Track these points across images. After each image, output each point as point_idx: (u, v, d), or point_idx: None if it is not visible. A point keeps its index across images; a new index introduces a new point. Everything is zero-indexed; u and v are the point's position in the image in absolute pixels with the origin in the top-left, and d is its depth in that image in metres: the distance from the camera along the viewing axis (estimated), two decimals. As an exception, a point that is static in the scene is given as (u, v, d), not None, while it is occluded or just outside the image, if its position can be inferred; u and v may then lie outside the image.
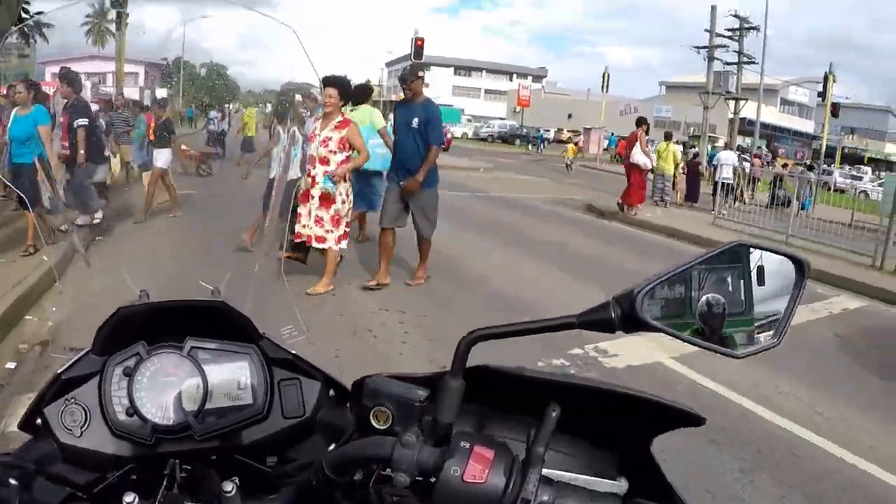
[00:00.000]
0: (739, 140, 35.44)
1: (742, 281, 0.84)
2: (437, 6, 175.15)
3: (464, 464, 0.76)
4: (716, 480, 3.75)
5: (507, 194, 17.69)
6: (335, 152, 6.23)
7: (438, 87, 73.07)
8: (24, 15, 11.51)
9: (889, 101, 77.14)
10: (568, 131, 52.12)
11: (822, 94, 29.65)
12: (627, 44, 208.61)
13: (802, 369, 5.47)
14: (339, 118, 6.34)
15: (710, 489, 3.64)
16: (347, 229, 6.53)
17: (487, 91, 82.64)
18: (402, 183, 6.73)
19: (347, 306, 6.30)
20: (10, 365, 4.55)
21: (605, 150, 42.53)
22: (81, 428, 0.98)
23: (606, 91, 40.46)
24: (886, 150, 63.23)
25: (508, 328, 0.84)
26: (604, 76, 39.25)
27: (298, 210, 6.16)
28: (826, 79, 29.17)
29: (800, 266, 0.85)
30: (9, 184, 7.72)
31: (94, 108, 11.25)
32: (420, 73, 7.05)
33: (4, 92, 10.66)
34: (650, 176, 15.87)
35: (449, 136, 35.38)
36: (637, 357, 5.44)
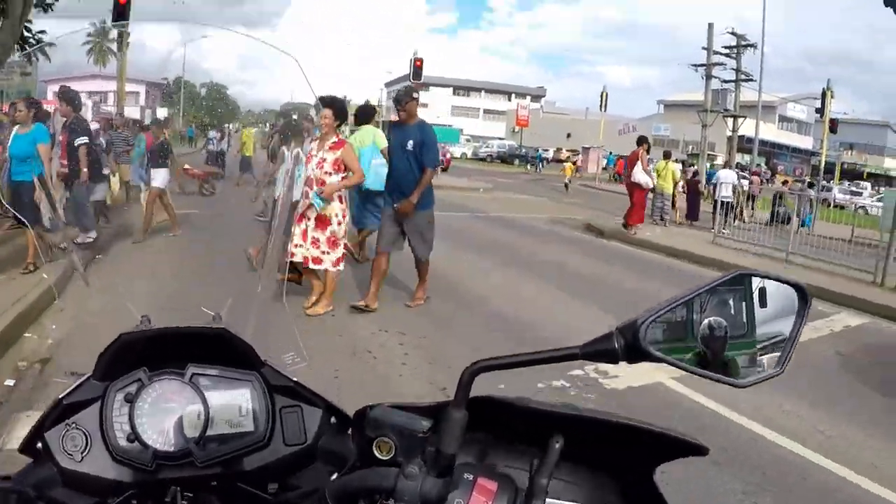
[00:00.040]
0: (738, 157, 35.61)
1: (744, 303, 0.84)
2: (435, 26, 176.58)
3: (467, 496, 0.76)
4: (718, 502, 3.72)
5: (507, 214, 17.71)
6: (330, 174, 6.23)
7: (437, 107, 73.52)
8: (26, 33, 11.60)
9: (888, 115, 77.56)
10: (567, 151, 52.28)
11: (821, 111, 29.89)
12: (626, 63, 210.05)
13: (804, 388, 5.45)
14: (334, 139, 6.34)
15: (712, 510, 3.61)
16: (345, 252, 6.50)
17: (486, 111, 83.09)
18: (395, 206, 6.70)
19: (347, 327, 6.28)
20: (9, 382, 4.55)
21: (604, 169, 42.70)
22: (82, 453, 0.98)
23: (605, 110, 40.69)
24: (886, 165, 63.53)
25: (511, 359, 0.85)
26: (602, 95, 39.49)
27: (293, 230, 6.15)
28: (824, 95, 29.40)
29: (802, 294, 0.85)
30: (5, 203, 7.76)
31: (95, 127, 11.30)
32: (415, 95, 6.97)
33: (6, 109, 10.74)
34: (649, 195, 15.92)
35: (448, 156, 35.55)
36: (638, 378, 5.41)
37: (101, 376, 1.02)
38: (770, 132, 53.95)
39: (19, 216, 7.16)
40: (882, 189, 32.01)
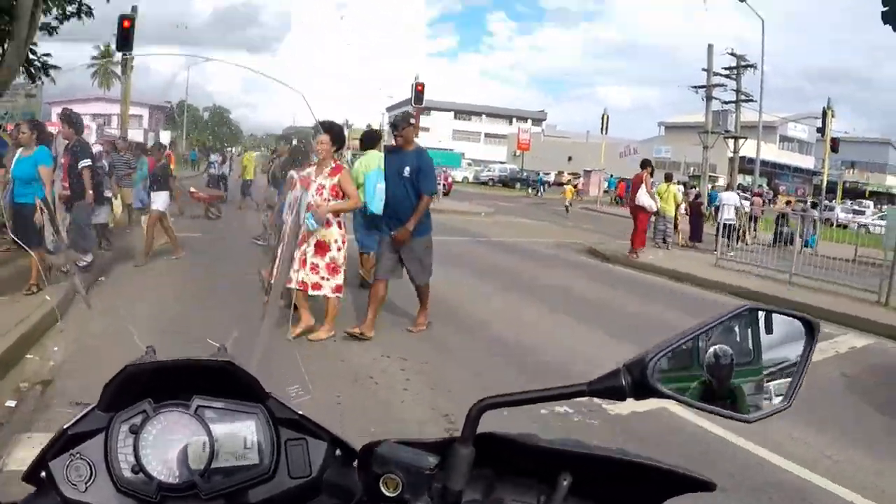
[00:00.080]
0: (740, 178, 35.65)
1: (749, 330, 0.84)
2: (436, 50, 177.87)
3: None
4: (724, 527, 3.67)
5: (508, 238, 17.72)
6: (329, 200, 6.23)
7: (439, 131, 74.02)
8: (31, 56, 11.74)
9: (888, 132, 78.02)
10: (568, 174, 52.47)
11: (822, 130, 30.04)
12: (626, 84, 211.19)
13: (810, 411, 5.40)
14: (332, 164, 6.35)
15: (718, 537, 3.56)
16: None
17: (487, 135, 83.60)
18: (392, 233, 6.65)
19: (348, 352, 6.24)
20: (11, 403, 4.55)
21: (606, 192, 42.81)
22: (86, 483, 0.98)
23: (606, 133, 40.91)
24: (888, 183, 63.77)
25: (520, 396, 0.85)
26: (603, 118, 39.73)
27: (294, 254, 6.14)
28: (825, 114, 29.56)
29: (809, 327, 0.85)
30: (6, 224, 7.78)
31: (98, 149, 11.39)
32: (412, 120, 6.93)
33: (10, 130, 10.82)
34: (652, 218, 15.94)
35: (450, 180, 35.70)
36: (642, 403, 5.32)
37: (106, 407, 1.02)
38: (771, 152, 54.10)
39: (18, 240, 7.19)
40: (884, 207, 32.01)
